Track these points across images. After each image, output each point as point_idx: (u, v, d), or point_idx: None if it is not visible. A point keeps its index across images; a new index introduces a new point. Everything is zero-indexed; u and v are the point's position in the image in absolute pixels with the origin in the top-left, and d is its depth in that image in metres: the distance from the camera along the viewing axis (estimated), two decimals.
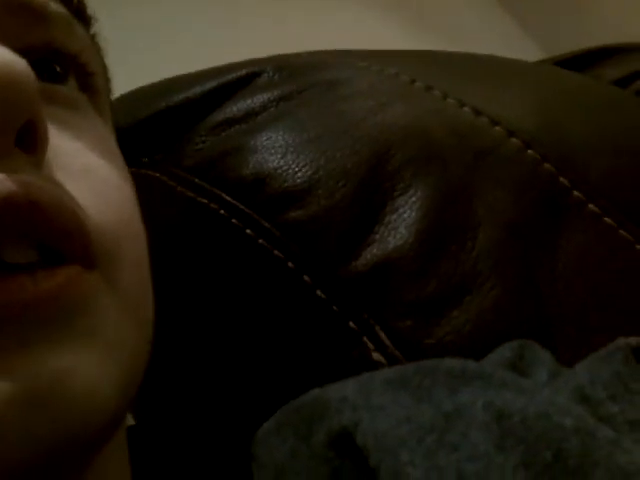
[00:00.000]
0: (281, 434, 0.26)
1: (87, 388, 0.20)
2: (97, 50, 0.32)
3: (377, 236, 0.35)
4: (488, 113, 0.40)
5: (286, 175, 0.36)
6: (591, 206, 0.38)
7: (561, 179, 0.38)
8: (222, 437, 0.36)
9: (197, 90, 0.40)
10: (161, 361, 0.29)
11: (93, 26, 0.32)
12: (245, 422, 0.30)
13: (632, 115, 0.46)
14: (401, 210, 0.36)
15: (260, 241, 0.36)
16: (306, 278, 0.35)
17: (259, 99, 0.40)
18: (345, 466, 0.24)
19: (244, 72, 0.41)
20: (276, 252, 0.35)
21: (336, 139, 0.37)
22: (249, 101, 0.40)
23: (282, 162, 0.37)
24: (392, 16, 0.91)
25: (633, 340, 0.27)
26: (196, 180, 0.38)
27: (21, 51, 0.22)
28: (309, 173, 0.36)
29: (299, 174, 0.36)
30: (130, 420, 0.41)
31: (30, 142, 0.21)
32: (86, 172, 0.24)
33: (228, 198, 0.37)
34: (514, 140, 0.39)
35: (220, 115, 0.39)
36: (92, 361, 0.21)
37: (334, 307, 0.34)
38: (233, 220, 0.36)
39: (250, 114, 0.39)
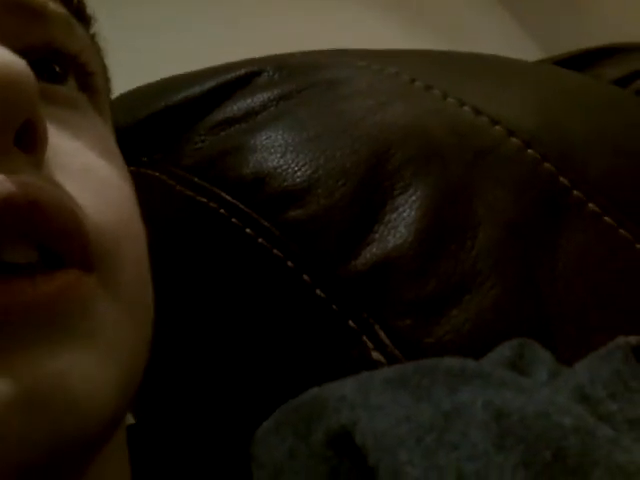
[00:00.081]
0: (280, 433, 0.26)
1: (86, 389, 0.20)
2: (97, 50, 0.32)
3: (377, 235, 0.35)
4: (488, 112, 0.40)
5: (286, 174, 0.36)
6: (591, 205, 0.38)
7: (561, 178, 0.38)
8: (221, 436, 0.36)
9: (196, 89, 0.40)
10: (161, 360, 0.29)
11: (93, 26, 0.32)
12: (244, 421, 0.30)
13: (632, 115, 0.46)
14: (401, 209, 0.36)
15: (260, 240, 0.36)
16: (306, 277, 0.35)
17: (259, 98, 0.40)
18: (344, 465, 0.24)
19: (243, 71, 0.41)
20: (275, 251, 0.35)
21: (336, 138, 0.37)
22: (249, 100, 0.40)
23: (282, 161, 0.37)
24: (392, 16, 0.91)
25: (633, 339, 0.27)
26: (195, 179, 0.38)
27: (21, 51, 0.22)
28: (309, 172, 0.36)
29: (299, 173, 0.36)
30: (130, 419, 0.41)
31: (29, 142, 0.21)
32: (86, 171, 0.24)
33: (228, 197, 0.37)
34: (514, 139, 0.39)
35: (220, 114, 0.39)
36: (91, 363, 0.21)
37: (334, 306, 0.34)
38: (233, 219, 0.36)
39: (250, 113, 0.39)
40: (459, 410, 0.24)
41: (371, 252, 0.35)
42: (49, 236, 0.21)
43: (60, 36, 0.28)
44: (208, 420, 0.38)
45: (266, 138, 0.38)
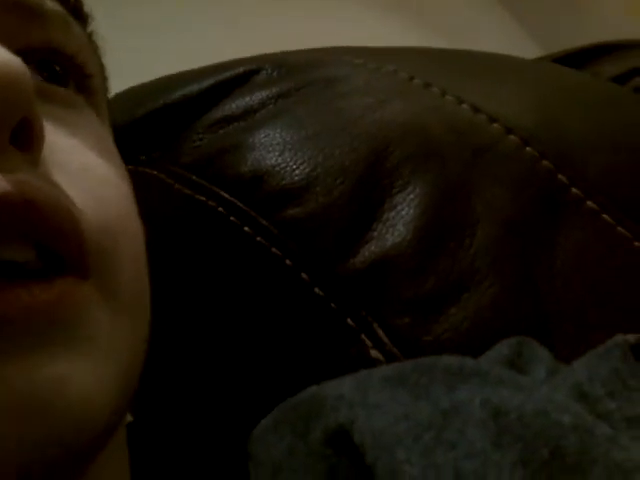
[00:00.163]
0: (278, 432, 0.26)
1: (82, 396, 0.20)
2: (94, 49, 0.32)
3: (375, 233, 0.35)
4: (486, 110, 0.40)
5: (284, 173, 0.36)
6: (589, 203, 0.38)
7: (559, 176, 0.38)
8: (220, 435, 0.36)
9: (195, 88, 0.40)
10: (159, 359, 0.29)
11: (90, 25, 0.32)
12: (243, 419, 0.30)
13: (630, 112, 0.46)
14: (399, 207, 0.36)
15: (258, 239, 0.36)
16: (304, 276, 0.35)
17: (257, 97, 0.40)
18: (342, 464, 0.24)
19: (242, 70, 0.41)
20: (274, 249, 0.35)
21: (334, 136, 0.37)
22: (247, 99, 0.40)
23: (280, 160, 0.37)
24: (392, 15, 0.91)
25: (631, 337, 0.27)
26: (194, 177, 0.38)
27: (20, 52, 0.22)
28: (307, 170, 0.36)
29: (297, 172, 0.36)
30: (128, 417, 0.41)
31: (26, 140, 0.21)
32: (83, 170, 0.24)
33: (226, 195, 0.37)
34: (512, 137, 0.39)
35: (218, 113, 0.39)
36: (87, 369, 0.21)
37: (332, 304, 0.34)
38: (231, 217, 0.36)
39: (248, 112, 0.39)
40: (457, 408, 0.24)
41: (369, 250, 0.35)
42: (45, 235, 0.21)
43: (58, 35, 0.28)
44: (206, 418, 0.38)
45: (264, 136, 0.38)
